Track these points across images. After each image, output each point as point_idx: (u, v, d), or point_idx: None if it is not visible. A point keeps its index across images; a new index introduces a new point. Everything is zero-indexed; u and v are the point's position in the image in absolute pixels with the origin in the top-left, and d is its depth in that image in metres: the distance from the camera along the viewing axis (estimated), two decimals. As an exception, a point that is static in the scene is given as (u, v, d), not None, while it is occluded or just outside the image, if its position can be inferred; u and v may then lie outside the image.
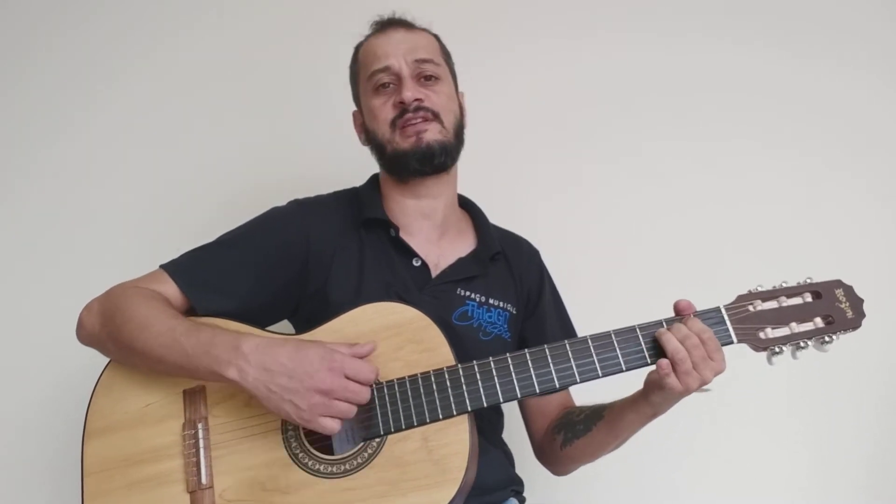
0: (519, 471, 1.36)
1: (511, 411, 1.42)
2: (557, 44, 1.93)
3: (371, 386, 1.07)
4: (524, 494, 1.33)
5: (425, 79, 1.31)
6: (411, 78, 1.29)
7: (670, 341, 1.07)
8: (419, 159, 1.28)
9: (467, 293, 1.32)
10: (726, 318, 1.12)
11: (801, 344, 1.13)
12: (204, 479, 1.10)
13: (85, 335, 1.21)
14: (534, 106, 1.90)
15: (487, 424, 1.31)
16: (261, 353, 1.06)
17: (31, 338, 1.71)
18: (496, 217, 1.47)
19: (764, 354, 1.13)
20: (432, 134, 1.28)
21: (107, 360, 1.21)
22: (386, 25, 1.36)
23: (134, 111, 1.87)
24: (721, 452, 1.74)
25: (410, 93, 1.27)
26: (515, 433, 1.42)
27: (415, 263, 1.31)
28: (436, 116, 1.29)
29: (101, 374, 1.20)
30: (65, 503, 1.33)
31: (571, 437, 1.28)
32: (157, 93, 1.88)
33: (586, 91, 1.92)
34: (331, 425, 1.04)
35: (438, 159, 1.29)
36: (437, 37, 1.41)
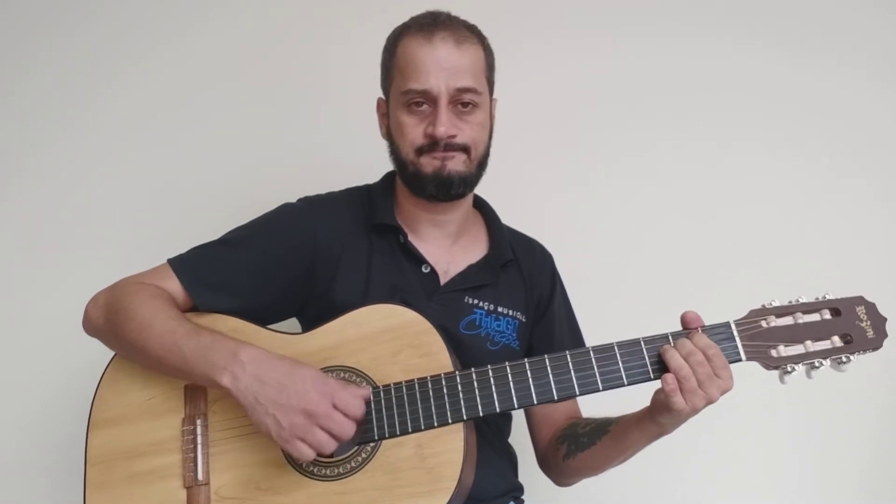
0: (521, 474, 1.35)
1: (517, 414, 1.40)
2: (559, 45, 1.90)
3: (357, 424, 1.05)
4: (523, 498, 1.32)
5: (462, 105, 1.24)
6: (448, 106, 1.22)
7: (674, 358, 1.03)
8: (437, 186, 1.24)
9: (476, 301, 1.29)
10: (736, 334, 1.07)
11: (816, 363, 1.07)
12: (200, 476, 1.11)
13: (90, 327, 1.22)
14: (535, 107, 1.87)
15: (493, 429, 1.30)
16: (257, 364, 1.06)
17: (38, 331, 1.74)
18: (502, 219, 1.43)
19: (776, 373, 1.09)
20: (456, 164, 1.24)
21: (112, 352, 1.22)
22: (433, 30, 1.23)
23: (136, 110, 1.87)
24: (725, 459, 1.72)
25: (444, 128, 1.21)
26: (519, 436, 1.40)
27: (424, 270, 1.29)
28: (464, 149, 1.25)
29: (107, 367, 1.22)
30: (69, 492, 1.37)
31: (575, 449, 1.25)
32: (158, 91, 1.88)
33: (590, 94, 1.89)
34: (305, 452, 1.02)
35: (456, 190, 1.25)
36: (483, 42, 1.30)
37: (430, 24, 1.25)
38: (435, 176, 1.24)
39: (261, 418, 1.03)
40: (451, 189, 1.25)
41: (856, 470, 1.73)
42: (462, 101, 1.23)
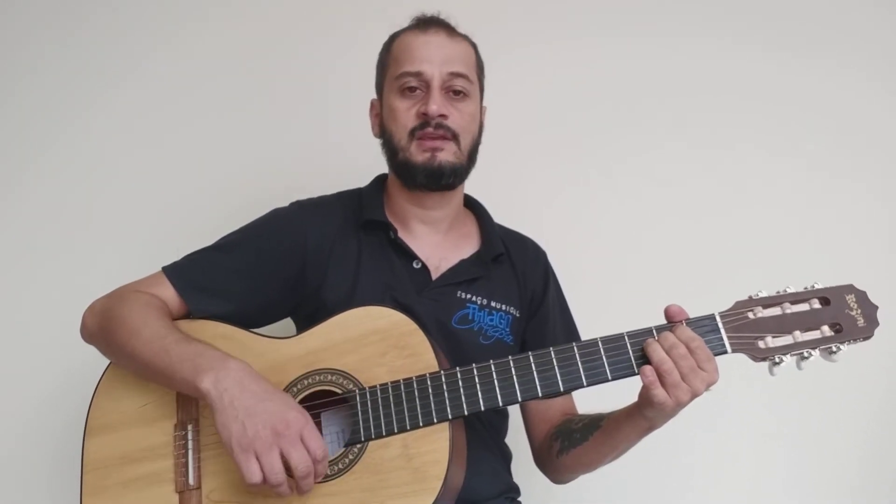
0: (517, 473, 1.34)
1: (513, 412, 1.40)
2: (559, 46, 1.90)
3: (315, 464, 1.02)
4: (520, 500, 1.31)
5: (454, 93, 1.28)
6: (440, 89, 1.26)
7: (656, 351, 1.02)
8: (427, 175, 1.26)
9: (468, 296, 1.30)
10: (721, 326, 1.06)
11: (806, 354, 1.06)
12: (192, 480, 1.12)
13: (87, 334, 1.25)
14: (535, 109, 1.87)
15: (488, 428, 1.30)
16: (244, 373, 1.06)
17: (35, 337, 1.76)
18: (500, 218, 1.44)
19: (765, 365, 1.07)
20: (446, 155, 1.26)
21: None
22: (428, 25, 1.31)
23: (135, 111, 1.89)
24: (720, 458, 1.71)
25: (436, 106, 1.24)
26: (517, 436, 1.40)
27: (415, 266, 1.30)
28: (454, 137, 1.27)
29: (104, 374, 1.24)
30: (66, 497, 1.39)
31: (568, 445, 1.25)
32: (158, 93, 1.90)
33: (589, 95, 1.89)
34: (254, 472, 0.99)
35: (447, 180, 1.28)
36: (475, 46, 1.36)
37: (425, 20, 1.33)
38: (425, 166, 1.26)
39: (227, 422, 1.01)
40: (441, 179, 1.27)
41: (852, 467, 1.70)
42: (454, 88, 1.28)
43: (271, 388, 1.06)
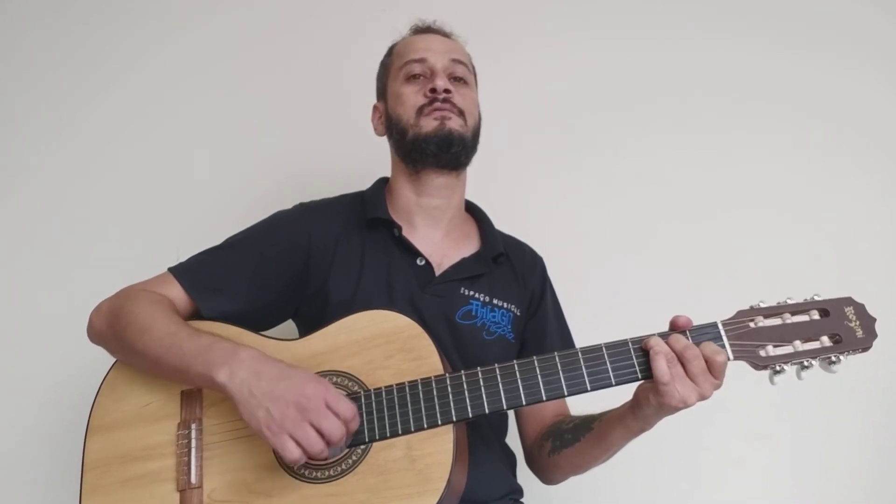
0: (520, 476, 1.35)
1: (510, 412, 1.40)
2: (558, 49, 1.94)
3: (346, 425, 1.03)
4: (522, 501, 1.31)
5: (455, 79, 1.36)
6: (444, 73, 1.34)
7: (659, 344, 1.04)
8: (438, 143, 1.30)
9: (471, 292, 1.33)
10: (723, 333, 1.07)
11: (806, 363, 1.07)
12: (193, 479, 1.12)
13: (94, 334, 1.25)
14: (535, 114, 1.90)
15: (489, 430, 1.31)
16: (255, 360, 1.07)
17: (37, 339, 1.75)
18: (501, 224, 1.47)
19: (766, 373, 1.09)
20: (455, 123, 1.32)
21: (113, 359, 1.24)
22: (426, 29, 1.43)
23: (139, 111, 1.91)
24: (722, 459, 1.71)
25: (442, 82, 1.32)
26: (517, 436, 1.41)
27: (419, 263, 1.32)
28: (460, 113, 1.33)
29: (107, 373, 1.24)
30: (66, 495, 1.37)
31: (559, 445, 1.26)
32: (162, 93, 1.92)
33: (589, 98, 1.92)
34: (293, 449, 0.99)
35: (456, 148, 1.32)
36: (469, 56, 1.45)
37: (423, 28, 1.44)
38: (436, 133, 1.30)
39: (252, 411, 1.02)
40: (451, 146, 1.31)
41: (861, 466, 1.70)
42: (455, 75, 1.36)
43: (285, 367, 1.07)
